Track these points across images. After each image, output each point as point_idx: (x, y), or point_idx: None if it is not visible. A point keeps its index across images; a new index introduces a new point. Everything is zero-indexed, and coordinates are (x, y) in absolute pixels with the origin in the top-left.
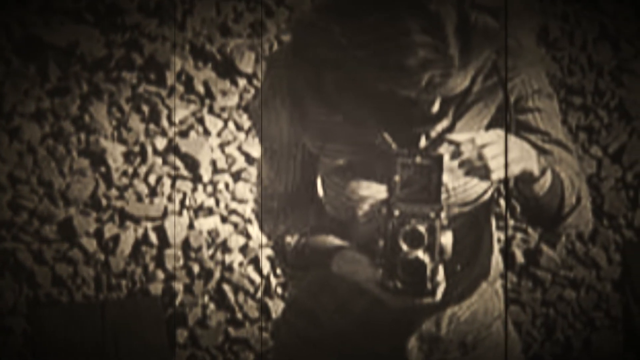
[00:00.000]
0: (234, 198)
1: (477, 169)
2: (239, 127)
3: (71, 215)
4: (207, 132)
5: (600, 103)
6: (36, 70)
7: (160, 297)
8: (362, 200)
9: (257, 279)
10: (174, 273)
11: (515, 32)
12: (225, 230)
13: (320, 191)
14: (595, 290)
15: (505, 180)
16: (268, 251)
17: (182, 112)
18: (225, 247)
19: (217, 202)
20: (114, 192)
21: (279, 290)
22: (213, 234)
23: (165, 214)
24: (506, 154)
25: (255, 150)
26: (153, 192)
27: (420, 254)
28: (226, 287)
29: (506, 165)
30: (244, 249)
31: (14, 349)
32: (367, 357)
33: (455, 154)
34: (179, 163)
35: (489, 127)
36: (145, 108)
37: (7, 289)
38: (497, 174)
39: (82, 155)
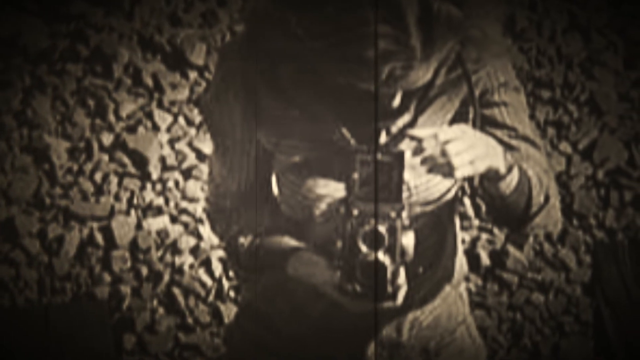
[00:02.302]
0: (184, 197)
1: (440, 166)
2: (189, 122)
3: (13, 214)
4: (156, 128)
5: (570, 97)
6: None
7: (107, 301)
8: (319, 199)
9: (208, 281)
10: (121, 275)
11: (480, 22)
12: (175, 230)
13: (275, 190)
14: (564, 294)
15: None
16: (220, 253)
17: (129, 107)
18: (175, 249)
19: (167, 201)
20: (58, 190)
21: (232, 293)
22: (162, 234)
23: (112, 213)
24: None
25: (207, 147)
26: (99, 191)
27: (381, 255)
28: (176, 291)
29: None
30: (194, 251)
31: None
32: None
33: (417, 151)
34: (126, 160)
35: (452, 122)
36: (91, 102)
37: None
38: (461, 172)
39: (24, 152)
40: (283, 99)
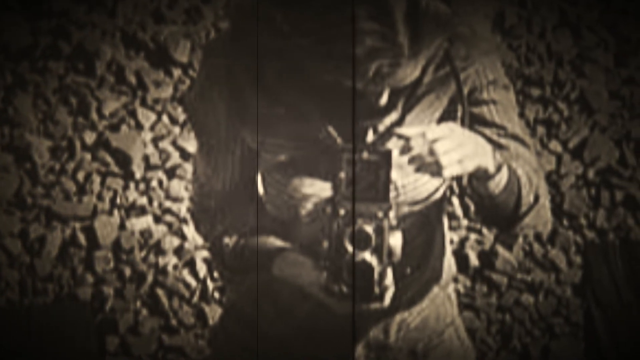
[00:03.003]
0: (168, 196)
1: (428, 165)
2: (173, 121)
3: None
4: (139, 126)
5: (560, 95)
6: None
7: (90, 302)
8: (305, 199)
9: (193, 282)
10: (103, 276)
11: (469, 19)
12: (159, 230)
13: (260, 189)
14: (554, 295)
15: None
16: (204, 253)
17: (112, 105)
18: (158, 249)
19: (150, 201)
20: (40, 190)
21: (217, 295)
22: (146, 234)
23: (94, 213)
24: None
25: (191, 145)
26: (82, 190)
27: (368, 256)
28: (160, 292)
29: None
30: (178, 251)
31: None
32: None
33: (405, 149)
34: (109, 159)
35: (440, 120)
36: (73, 100)
37: None
38: (450, 171)
39: (5, 151)
40: (268, 97)
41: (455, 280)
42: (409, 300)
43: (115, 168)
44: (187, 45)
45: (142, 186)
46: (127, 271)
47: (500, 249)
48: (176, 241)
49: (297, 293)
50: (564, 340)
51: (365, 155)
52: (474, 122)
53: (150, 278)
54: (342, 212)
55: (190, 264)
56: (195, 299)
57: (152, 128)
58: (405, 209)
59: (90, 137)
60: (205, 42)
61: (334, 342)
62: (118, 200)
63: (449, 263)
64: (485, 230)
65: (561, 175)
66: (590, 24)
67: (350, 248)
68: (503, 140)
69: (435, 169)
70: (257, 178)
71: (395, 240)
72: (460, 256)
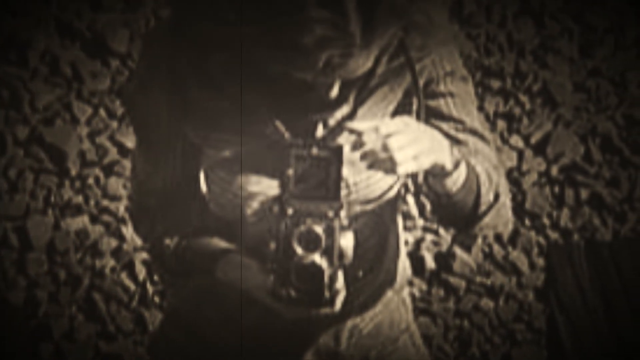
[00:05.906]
0: (105, 195)
1: (381, 161)
2: (111, 115)
3: None
4: (75, 120)
5: (522, 87)
6: None
7: (22, 307)
8: (251, 197)
9: (131, 286)
10: (37, 280)
11: (425, 7)
12: (96, 231)
13: (203, 187)
14: (515, 300)
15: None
16: (144, 255)
17: (46, 97)
18: (95, 251)
19: (87, 199)
20: None
21: (157, 299)
22: (82, 235)
23: (27, 212)
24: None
25: (130, 141)
26: (13, 188)
27: (317, 258)
28: (97, 296)
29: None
30: (116, 253)
31: None
32: None
33: (357, 145)
34: (42, 155)
35: (395, 114)
36: (5, 92)
37: None
38: (404, 167)
39: None
40: (213, 89)
41: (410, 283)
42: (361, 305)
43: (49, 165)
44: (126, 34)
45: (77, 184)
46: (62, 274)
47: (458, 251)
48: (114, 242)
49: (243, 298)
50: (526, 347)
51: (314, 151)
52: (430, 116)
53: (86, 281)
54: (290, 211)
55: (129, 267)
56: (134, 303)
57: (88, 122)
58: (357, 208)
59: (22, 132)
60: (145, 31)
61: (281, 349)
62: (52, 199)
63: (404, 265)
64: (442, 231)
65: (523, 172)
66: (554, 12)
67: (298, 250)
68: (461, 135)
69: (389, 165)
70: (200, 175)
71: (347, 241)
72: (415, 258)
